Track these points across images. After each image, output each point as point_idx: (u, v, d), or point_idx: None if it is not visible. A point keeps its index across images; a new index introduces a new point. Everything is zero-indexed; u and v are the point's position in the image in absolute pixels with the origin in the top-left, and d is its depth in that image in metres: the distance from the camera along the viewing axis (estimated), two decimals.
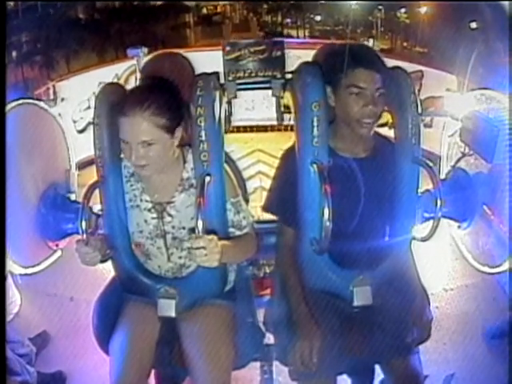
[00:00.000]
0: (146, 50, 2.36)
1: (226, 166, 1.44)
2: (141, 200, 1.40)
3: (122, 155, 1.40)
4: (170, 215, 1.39)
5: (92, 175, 1.43)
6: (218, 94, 1.40)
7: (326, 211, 1.23)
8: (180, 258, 1.43)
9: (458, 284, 2.52)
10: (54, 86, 3.44)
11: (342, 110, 1.38)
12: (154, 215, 1.39)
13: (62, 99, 3.41)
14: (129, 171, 1.42)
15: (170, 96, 1.30)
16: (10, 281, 2.32)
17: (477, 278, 2.27)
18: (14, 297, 2.38)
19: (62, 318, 2.19)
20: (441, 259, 2.56)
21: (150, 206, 1.40)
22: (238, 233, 1.43)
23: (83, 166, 2.98)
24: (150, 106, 1.23)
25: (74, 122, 3.51)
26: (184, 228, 1.39)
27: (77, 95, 3.61)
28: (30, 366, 2.04)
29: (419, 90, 3.71)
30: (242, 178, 1.62)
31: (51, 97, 3.35)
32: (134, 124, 1.23)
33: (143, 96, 1.26)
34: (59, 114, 2.74)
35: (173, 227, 1.40)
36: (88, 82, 3.59)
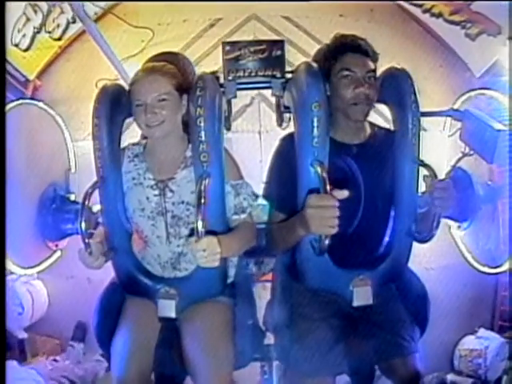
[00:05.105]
0: None
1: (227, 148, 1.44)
2: (144, 178, 1.43)
3: (121, 140, 1.44)
4: (171, 191, 1.41)
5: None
6: (217, 94, 1.39)
7: None
8: (178, 246, 1.44)
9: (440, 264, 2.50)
10: None
11: (335, 96, 1.40)
12: (156, 192, 1.42)
13: None
14: (132, 152, 1.46)
15: (177, 67, 1.45)
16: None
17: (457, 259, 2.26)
18: (40, 293, 2.42)
19: (87, 302, 2.19)
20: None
21: (152, 183, 1.42)
22: (242, 216, 1.44)
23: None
24: (163, 66, 1.40)
25: (16, 45, 3.16)
26: (183, 202, 1.41)
27: (9, 18, 3.24)
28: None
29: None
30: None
31: None
32: (149, 81, 1.36)
33: (156, 61, 1.45)
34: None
35: (173, 203, 1.41)
36: None
